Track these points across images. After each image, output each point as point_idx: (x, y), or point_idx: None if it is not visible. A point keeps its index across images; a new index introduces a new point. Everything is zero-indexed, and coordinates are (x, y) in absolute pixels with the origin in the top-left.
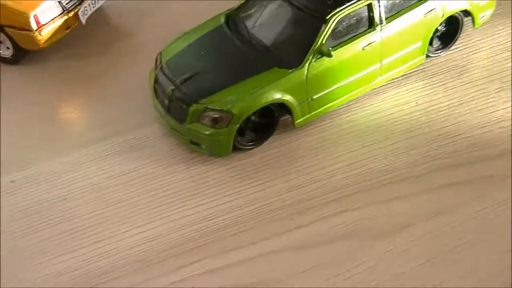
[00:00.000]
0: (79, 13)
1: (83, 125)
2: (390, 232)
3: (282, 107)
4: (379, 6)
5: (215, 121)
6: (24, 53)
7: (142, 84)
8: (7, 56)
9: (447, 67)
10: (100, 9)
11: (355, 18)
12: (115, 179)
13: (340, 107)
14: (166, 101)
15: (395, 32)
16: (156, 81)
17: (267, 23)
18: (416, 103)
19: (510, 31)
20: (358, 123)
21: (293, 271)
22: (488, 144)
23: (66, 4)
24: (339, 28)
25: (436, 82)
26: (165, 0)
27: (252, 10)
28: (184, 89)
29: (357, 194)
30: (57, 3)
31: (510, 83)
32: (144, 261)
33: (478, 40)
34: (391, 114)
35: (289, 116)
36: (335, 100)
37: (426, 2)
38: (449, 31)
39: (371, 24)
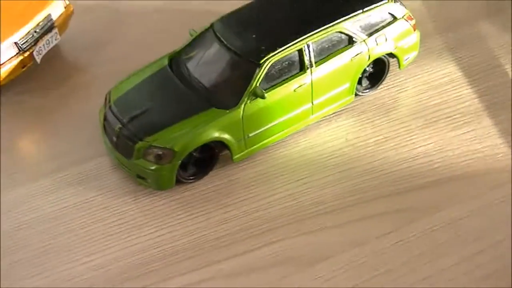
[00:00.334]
0: (34, 53)
1: (37, 158)
2: (318, 260)
3: (221, 144)
4: (309, 51)
5: (158, 158)
6: None
7: (93, 118)
8: None
9: (375, 105)
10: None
11: (287, 62)
12: (67, 210)
13: (276, 143)
14: (114, 138)
15: (325, 74)
16: (105, 118)
17: (206, 65)
18: (346, 139)
19: (433, 71)
20: (293, 158)
21: None
22: (409, 178)
23: (22, 44)
24: (272, 72)
25: (364, 119)
26: (120, 35)
27: (193, 53)
28: (130, 127)
29: (290, 225)
30: (13, 44)
31: (432, 120)
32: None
33: (404, 80)
34: (323, 149)
35: (228, 151)
36: (270, 137)
37: (353, 47)
38: (377, 72)
39: (302, 67)
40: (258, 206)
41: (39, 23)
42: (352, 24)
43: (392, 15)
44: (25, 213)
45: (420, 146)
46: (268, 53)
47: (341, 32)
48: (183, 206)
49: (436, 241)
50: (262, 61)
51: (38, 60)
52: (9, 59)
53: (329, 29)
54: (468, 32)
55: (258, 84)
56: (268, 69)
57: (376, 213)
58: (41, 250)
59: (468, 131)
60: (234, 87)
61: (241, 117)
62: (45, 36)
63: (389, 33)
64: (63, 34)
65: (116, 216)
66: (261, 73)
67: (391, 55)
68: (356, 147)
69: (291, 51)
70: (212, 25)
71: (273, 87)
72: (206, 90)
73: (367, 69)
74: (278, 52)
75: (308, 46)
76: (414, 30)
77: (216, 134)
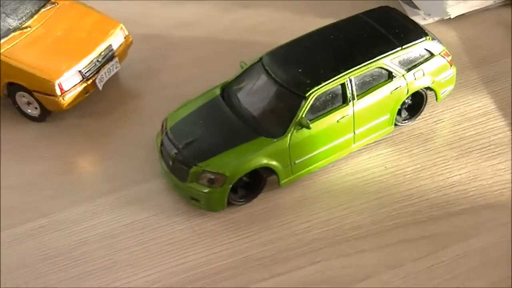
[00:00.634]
0: (96, 80)
1: (95, 179)
2: (356, 281)
3: (269, 169)
4: (351, 85)
5: (211, 182)
6: (49, 113)
7: (147, 142)
8: (35, 115)
9: (413, 135)
10: None
11: (330, 95)
12: (124, 228)
13: (320, 169)
14: (170, 162)
15: (366, 106)
16: (162, 144)
17: (255, 96)
18: (385, 167)
19: (469, 103)
20: (335, 183)
21: None
22: (445, 205)
23: (85, 73)
24: (316, 104)
25: (403, 148)
26: (173, 63)
27: (244, 84)
28: (185, 153)
29: (330, 247)
30: (78, 72)
31: (467, 150)
32: None
33: (440, 112)
34: (363, 176)
35: (275, 176)
36: (314, 163)
37: (393, 81)
38: (415, 104)
39: (344, 100)
40: (301, 228)
41: (101, 52)
42: (391, 60)
43: (430, 51)
44: (86, 231)
45: (455, 175)
46: (313, 87)
47: (381, 68)
48: (233, 227)
49: (468, 265)
50: (308, 94)
51: (100, 87)
52: (73, 86)
53: (370, 65)
54: (503, 66)
55: (303, 115)
56: (313, 101)
57: (413, 238)
58: (101, 265)
59: (501, 162)
60: (281, 117)
61: (287, 145)
62: (107, 65)
63: (426, 69)
64: (122, 62)
65: (170, 234)
66: (307, 105)
67: (429, 88)
68: (394, 174)
69: (335, 85)
70: (261, 59)
71: (317, 118)
72: (255, 120)
73: (406, 101)
74: (323, 86)
75: (351, 81)
76: (451, 66)
77: (264, 161)
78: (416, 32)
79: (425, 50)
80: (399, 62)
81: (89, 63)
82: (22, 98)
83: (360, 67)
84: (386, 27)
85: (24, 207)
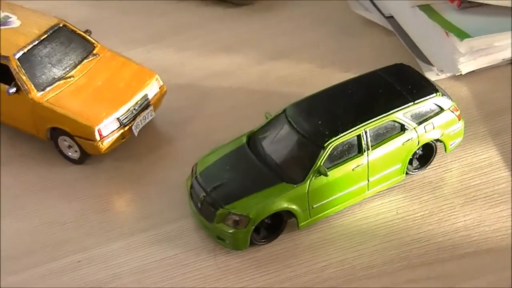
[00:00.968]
0: (133, 127)
1: (129, 218)
2: None
3: (289, 213)
4: (366, 136)
5: (236, 223)
6: (88, 155)
7: (178, 185)
8: (75, 158)
9: (423, 183)
10: None
11: (347, 145)
12: (155, 264)
13: (336, 213)
14: (199, 204)
15: (379, 156)
16: (191, 187)
17: (278, 144)
18: (396, 212)
19: (476, 154)
20: (349, 227)
21: None
22: (450, 249)
23: (123, 120)
24: (334, 153)
25: (413, 195)
26: (204, 112)
27: (268, 133)
28: (213, 196)
29: (342, 286)
30: (116, 119)
31: (472, 198)
32: None
33: (449, 161)
34: (376, 220)
35: (295, 219)
36: (331, 208)
37: (405, 133)
38: (426, 154)
39: (360, 150)
40: (317, 268)
41: (137, 101)
42: (404, 114)
43: (439, 106)
44: (119, 266)
45: (461, 221)
46: (332, 138)
47: (394, 121)
48: (254, 265)
49: None
50: (326, 144)
51: (136, 134)
52: (111, 132)
53: (384, 119)
54: (510, 120)
55: (322, 164)
56: (331, 151)
57: (420, 278)
58: None
59: (503, 209)
60: (301, 165)
61: (306, 191)
62: (142, 113)
63: (436, 122)
64: (157, 110)
65: (197, 271)
66: (325, 154)
67: (438, 140)
68: (404, 219)
69: (351, 136)
70: (284, 110)
71: (334, 166)
72: (278, 166)
73: (417, 151)
74: (340, 137)
75: (366, 132)
76: (459, 120)
77: (285, 205)
78: (427, 88)
79: (435, 105)
80: (411, 116)
81: (126, 111)
82: (63, 142)
83: (375, 120)
84: (400, 83)
85: (62, 243)
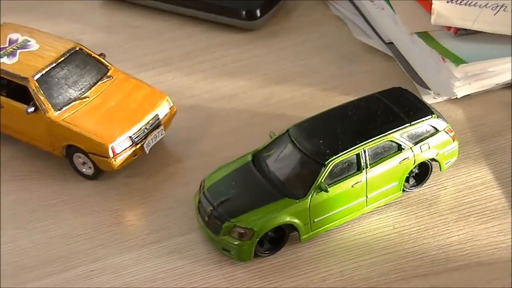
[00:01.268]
0: (144, 145)
1: (140, 231)
2: None
3: (292, 226)
4: (365, 155)
5: (241, 235)
6: (101, 172)
7: (186, 200)
8: (89, 174)
9: (419, 200)
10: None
11: (346, 163)
12: (164, 273)
13: (336, 227)
14: (206, 218)
15: (377, 174)
16: (199, 201)
17: (281, 162)
18: (393, 227)
19: (470, 173)
20: (348, 240)
21: None
22: (443, 262)
23: (135, 138)
24: (334, 170)
25: (409, 211)
26: (212, 131)
27: (272, 152)
28: (219, 210)
29: None
30: (128, 138)
31: (465, 214)
32: None
33: (444, 180)
34: (373, 234)
35: (297, 232)
36: (331, 222)
37: (401, 153)
38: (422, 172)
39: (358, 168)
40: (317, 278)
41: (149, 121)
42: (401, 135)
43: (435, 127)
44: (130, 275)
45: (454, 236)
46: (332, 156)
47: (392, 141)
48: (259, 275)
49: None
50: (327, 162)
51: (147, 151)
52: (124, 150)
53: (381, 139)
54: (502, 142)
55: (323, 180)
56: (331, 168)
57: None
58: None
59: (495, 225)
60: (303, 181)
61: (308, 206)
62: (153, 132)
63: (432, 142)
64: (167, 130)
65: (204, 280)
66: (326, 172)
67: (434, 159)
68: (401, 234)
69: (351, 154)
70: (288, 130)
71: (335, 183)
72: (281, 183)
73: (413, 170)
74: (340, 156)
75: (364, 151)
76: (454, 140)
77: (287, 219)
78: (423, 111)
79: (430, 126)
80: (408, 136)
81: (138, 130)
82: (78, 159)
83: (373, 140)
84: (398, 105)
85: (76, 253)
